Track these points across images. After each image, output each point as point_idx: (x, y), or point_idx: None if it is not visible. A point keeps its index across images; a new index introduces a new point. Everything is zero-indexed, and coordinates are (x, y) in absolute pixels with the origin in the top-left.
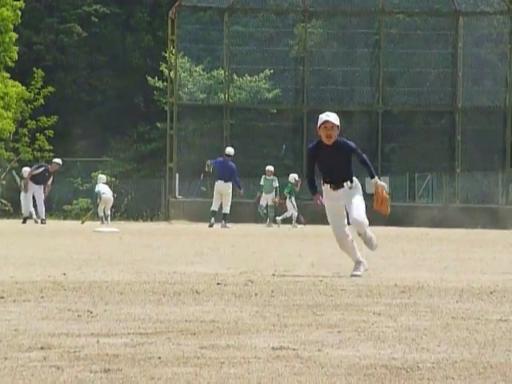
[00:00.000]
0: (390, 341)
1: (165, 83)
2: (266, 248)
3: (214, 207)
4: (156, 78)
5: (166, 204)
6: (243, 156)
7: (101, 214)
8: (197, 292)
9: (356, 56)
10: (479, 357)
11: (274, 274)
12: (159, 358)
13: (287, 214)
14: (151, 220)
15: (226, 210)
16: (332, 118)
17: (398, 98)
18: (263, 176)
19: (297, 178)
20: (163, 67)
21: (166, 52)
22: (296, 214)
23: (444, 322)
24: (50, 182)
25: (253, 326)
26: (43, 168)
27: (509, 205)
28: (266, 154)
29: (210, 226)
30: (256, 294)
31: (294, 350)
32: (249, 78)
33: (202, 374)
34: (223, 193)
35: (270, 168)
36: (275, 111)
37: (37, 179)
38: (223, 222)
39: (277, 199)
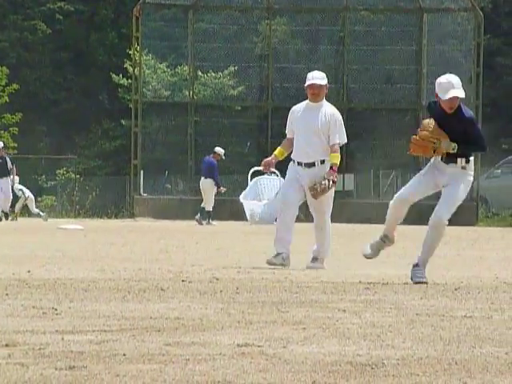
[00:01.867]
0: (355, 337)
1: (129, 80)
2: (230, 245)
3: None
4: (120, 75)
5: (131, 201)
6: (208, 153)
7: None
8: (161, 289)
9: (320, 53)
10: (444, 353)
11: (238, 271)
12: (124, 354)
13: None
14: (116, 217)
15: (207, 207)
16: None
17: (362, 96)
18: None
19: None
20: (127, 64)
21: (130, 49)
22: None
23: (409, 318)
24: (9, 167)
25: (218, 323)
26: None
27: (473, 201)
28: (231, 151)
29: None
30: (221, 291)
31: (258, 346)
32: (213, 74)
33: (167, 371)
34: (203, 189)
35: None
36: (240, 108)
37: None
38: (199, 215)
39: None
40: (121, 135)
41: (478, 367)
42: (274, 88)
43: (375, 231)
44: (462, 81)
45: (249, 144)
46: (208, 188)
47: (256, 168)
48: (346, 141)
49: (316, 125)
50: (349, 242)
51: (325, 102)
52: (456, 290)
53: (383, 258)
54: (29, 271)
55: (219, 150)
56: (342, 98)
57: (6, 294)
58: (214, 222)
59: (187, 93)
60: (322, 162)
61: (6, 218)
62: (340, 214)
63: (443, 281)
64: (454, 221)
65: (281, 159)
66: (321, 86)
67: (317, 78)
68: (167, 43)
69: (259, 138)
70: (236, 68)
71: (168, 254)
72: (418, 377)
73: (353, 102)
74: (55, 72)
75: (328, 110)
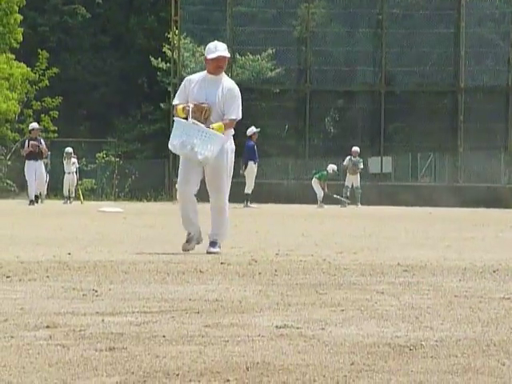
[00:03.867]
0: (393, 319)
1: (168, 64)
2: (269, 228)
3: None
4: (159, 58)
5: (170, 184)
6: (246, 136)
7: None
8: (201, 271)
9: (359, 36)
10: (482, 335)
11: (277, 254)
12: (164, 336)
13: (343, 195)
14: (155, 200)
15: (248, 190)
16: None
17: (400, 78)
18: (348, 157)
19: (335, 170)
20: (166, 48)
21: (169, 33)
22: (322, 194)
23: (447, 300)
24: (42, 147)
25: (256, 305)
26: (25, 141)
27: (511, 184)
28: (269, 134)
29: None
30: (259, 273)
31: (297, 328)
32: (251, 57)
33: (206, 353)
34: (245, 173)
35: (356, 149)
36: (278, 91)
37: (28, 155)
38: (245, 202)
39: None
40: (160, 118)
41: None
42: (312, 71)
43: (413, 213)
44: (499, 63)
45: (287, 127)
46: (249, 171)
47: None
48: (240, 117)
49: (214, 99)
50: (387, 224)
51: (224, 76)
52: (494, 271)
53: (422, 239)
54: (69, 253)
55: (251, 130)
56: (380, 81)
57: (47, 276)
58: (253, 205)
59: None
60: None
61: (37, 202)
62: (378, 197)
63: (482, 263)
64: (493, 203)
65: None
66: (225, 57)
67: (223, 49)
68: (206, 26)
69: (297, 121)
70: (274, 51)
71: (206, 237)
72: (457, 358)
73: (391, 85)
74: (95, 56)
75: (227, 83)
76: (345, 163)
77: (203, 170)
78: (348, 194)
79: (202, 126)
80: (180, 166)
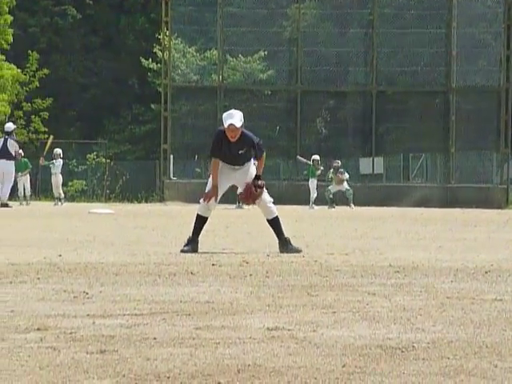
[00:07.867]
0: (385, 321)
1: (158, 65)
2: (260, 229)
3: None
4: (150, 59)
5: (161, 185)
6: None
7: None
8: (192, 273)
9: (350, 36)
10: (474, 336)
11: (268, 255)
12: (154, 338)
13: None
14: (146, 201)
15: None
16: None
17: (392, 79)
18: (331, 169)
19: (317, 159)
20: (157, 49)
21: (159, 34)
22: (315, 195)
23: (439, 301)
24: (16, 149)
25: (248, 307)
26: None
27: (503, 184)
28: (260, 136)
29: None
30: (251, 275)
31: (288, 330)
32: (243, 58)
33: (197, 355)
34: None
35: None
36: (269, 92)
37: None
38: (237, 202)
39: None
40: (151, 119)
41: (508, 350)
42: (303, 72)
43: (405, 214)
44: (491, 63)
45: (278, 128)
46: None
47: None
48: None
49: None
50: (378, 225)
51: None
52: (486, 273)
53: (413, 241)
54: (60, 255)
55: None
56: (372, 82)
57: (38, 278)
58: (245, 206)
59: (216, 77)
60: None
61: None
62: (369, 197)
63: (474, 264)
64: (485, 204)
65: None
66: None
67: None
68: (196, 27)
69: (288, 121)
70: (265, 52)
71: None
72: (449, 360)
73: (382, 85)
74: (85, 57)
75: None
76: (330, 175)
77: None
78: (331, 196)
79: None
80: None
